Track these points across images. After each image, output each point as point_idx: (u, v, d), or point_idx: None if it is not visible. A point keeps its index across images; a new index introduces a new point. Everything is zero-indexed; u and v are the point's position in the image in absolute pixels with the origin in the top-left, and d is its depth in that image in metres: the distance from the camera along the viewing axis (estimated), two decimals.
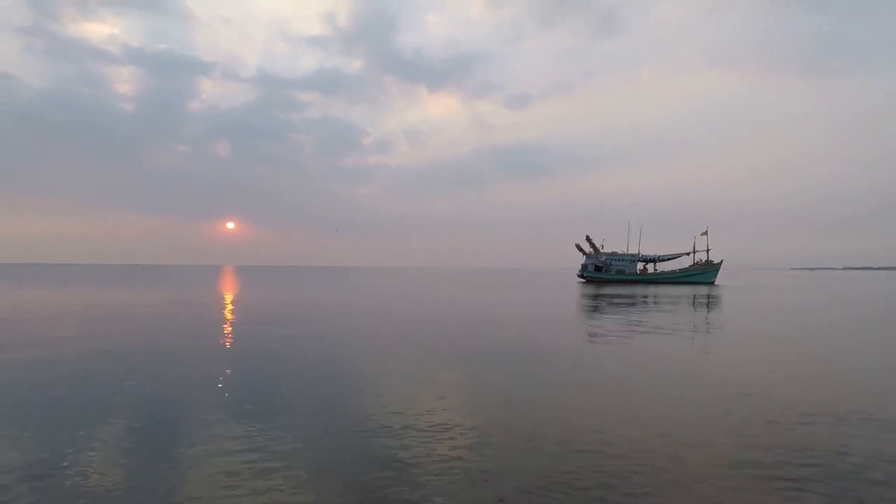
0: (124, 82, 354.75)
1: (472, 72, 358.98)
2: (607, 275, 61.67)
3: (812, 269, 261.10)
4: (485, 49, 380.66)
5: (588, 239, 63.27)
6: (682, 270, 61.85)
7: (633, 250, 63.68)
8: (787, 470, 4.68)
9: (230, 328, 15.49)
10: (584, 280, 62.03)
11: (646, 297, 32.63)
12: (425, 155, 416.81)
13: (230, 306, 23.73)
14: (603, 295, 34.39)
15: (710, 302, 28.56)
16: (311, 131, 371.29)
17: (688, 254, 61.53)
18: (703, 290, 43.95)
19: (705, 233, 61.00)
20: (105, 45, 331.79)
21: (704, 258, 61.01)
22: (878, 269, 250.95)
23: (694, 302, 28.26)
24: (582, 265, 63.69)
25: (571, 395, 7.49)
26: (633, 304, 25.67)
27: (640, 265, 63.03)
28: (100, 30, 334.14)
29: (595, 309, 23.61)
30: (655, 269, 63.02)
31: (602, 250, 63.12)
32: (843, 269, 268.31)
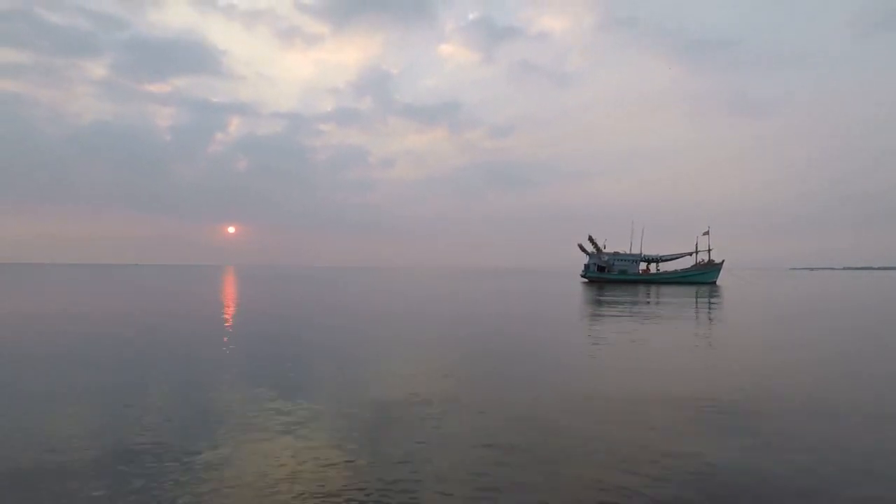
0: (167, 118, 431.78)
1: (460, 112, 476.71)
2: (610, 275, 62.35)
3: (812, 269, 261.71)
4: (470, 97, 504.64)
5: (591, 239, 63.91)
6: (683, 270, 62.55)
7: (634, 250, 64.35)
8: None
9: (239, 321, 16.53)
10: (587, 280, 62.71)
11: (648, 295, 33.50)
12: (423, 170, 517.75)
13: (241, 304, 24.72)
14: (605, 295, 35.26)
15: (711, 300, 29.54)
16: (324, 152, 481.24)
17: (689, 254, 62.32)
18: (704, 289, 44.85)
19: (707, 233, 61.82)
20: (161, 94, 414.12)
21: (706, 258, 61.78)
22: (878, 269, 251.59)
23: (696, 300, 29.27)
24: (585, 265, 64.11)
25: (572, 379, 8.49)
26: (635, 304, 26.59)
27: (642, 265, 63.72)
28: (163, 87, 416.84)
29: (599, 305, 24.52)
30: (658, 270, 63.73)
31: (604, 250, 63.78)
32: (844, 269, 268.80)
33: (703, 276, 60.61)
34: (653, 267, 63.77)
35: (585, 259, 64.36)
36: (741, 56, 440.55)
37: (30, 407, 6.55)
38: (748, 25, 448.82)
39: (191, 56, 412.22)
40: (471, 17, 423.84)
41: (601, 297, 31.56)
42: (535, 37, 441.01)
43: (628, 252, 63.92)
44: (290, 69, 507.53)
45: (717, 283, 59.00)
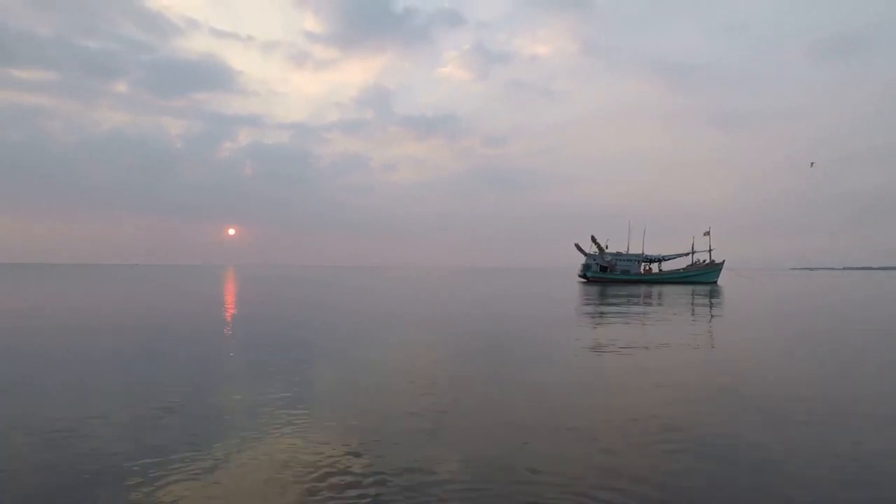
0: (180, 128, 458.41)
1: (457, 123, 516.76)
2: (612, 275, 62.55)
3: (812, 269, 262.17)
4: (466, 110, 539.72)
5: (593, 239, 63.94)
6: (684, 270, 62.92)
7: (634, 250, 64.58)
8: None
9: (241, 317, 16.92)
10: (585, 280, 62.80)
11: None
12: (422, 174, 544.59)
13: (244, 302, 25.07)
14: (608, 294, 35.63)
15: (712, 298, 29.99)
16: (328, 158, 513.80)
17: (686, 254, 62.72)
18: (705, 289, 45.24)
19: (707, 233, 62.18)
20: (177, 108, 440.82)
21: (707, 258, 62.14)
22: (878, 269, 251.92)
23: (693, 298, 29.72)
24: (584, 265, 63.51)
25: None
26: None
27: (643, 265, 63.95)
28: (179, 102, 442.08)
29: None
30: (660, 269, 64.01)
31: (606, 250, 63.92)
32: (843, 269, 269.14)
33: (704, 276, 61.05)
34: (654, 267, 64.10)
35: (582, 258, 64.03)
36: (712, 76, 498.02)
37: (31, 410, 6.45)
38: (718, 51, 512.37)
39: (208, 75, 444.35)
40: (466, 47, 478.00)
41: (608, 299, 31.93)
42: (525, 60, 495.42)
43: (627, 252, 64.19)
44: (299, 86, 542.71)
45: (718, 283, 59.38)
